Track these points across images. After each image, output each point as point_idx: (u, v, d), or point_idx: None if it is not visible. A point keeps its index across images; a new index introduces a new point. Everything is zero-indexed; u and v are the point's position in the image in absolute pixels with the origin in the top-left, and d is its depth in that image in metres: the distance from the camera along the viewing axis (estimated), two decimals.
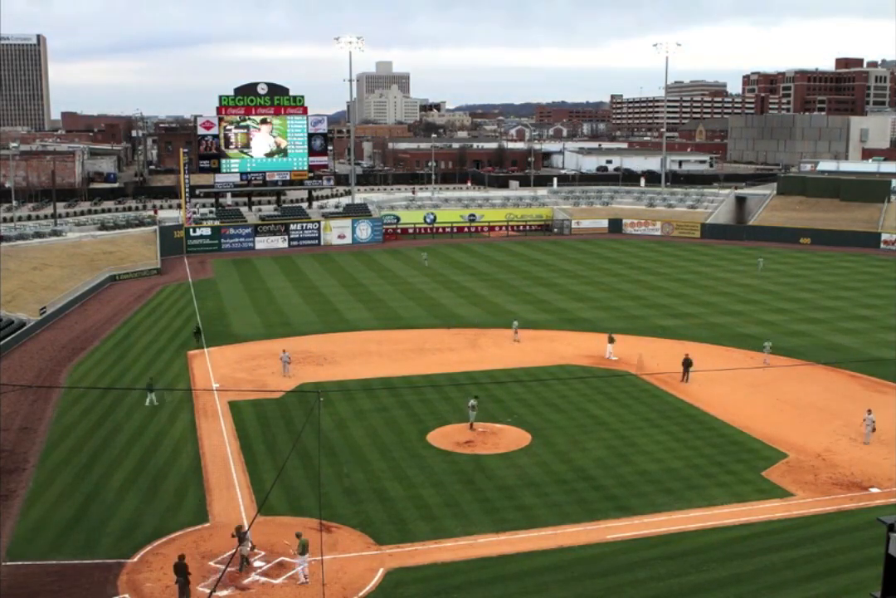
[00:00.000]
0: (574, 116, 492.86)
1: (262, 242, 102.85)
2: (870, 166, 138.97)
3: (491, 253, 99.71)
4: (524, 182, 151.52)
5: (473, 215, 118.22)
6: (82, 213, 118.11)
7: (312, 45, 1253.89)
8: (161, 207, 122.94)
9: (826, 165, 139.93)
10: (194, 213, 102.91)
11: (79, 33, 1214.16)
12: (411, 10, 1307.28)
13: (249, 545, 28.73)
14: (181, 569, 26.38)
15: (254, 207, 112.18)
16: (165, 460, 37.72)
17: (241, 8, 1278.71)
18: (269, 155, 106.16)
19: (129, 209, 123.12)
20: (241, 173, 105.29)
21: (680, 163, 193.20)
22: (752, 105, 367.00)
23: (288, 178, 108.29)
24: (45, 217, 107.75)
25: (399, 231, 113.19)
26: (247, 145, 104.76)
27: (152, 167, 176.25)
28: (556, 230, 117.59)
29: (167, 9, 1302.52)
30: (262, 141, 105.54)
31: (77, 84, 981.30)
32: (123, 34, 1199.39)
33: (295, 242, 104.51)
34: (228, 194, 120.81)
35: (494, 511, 32.45)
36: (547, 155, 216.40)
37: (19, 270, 75.31)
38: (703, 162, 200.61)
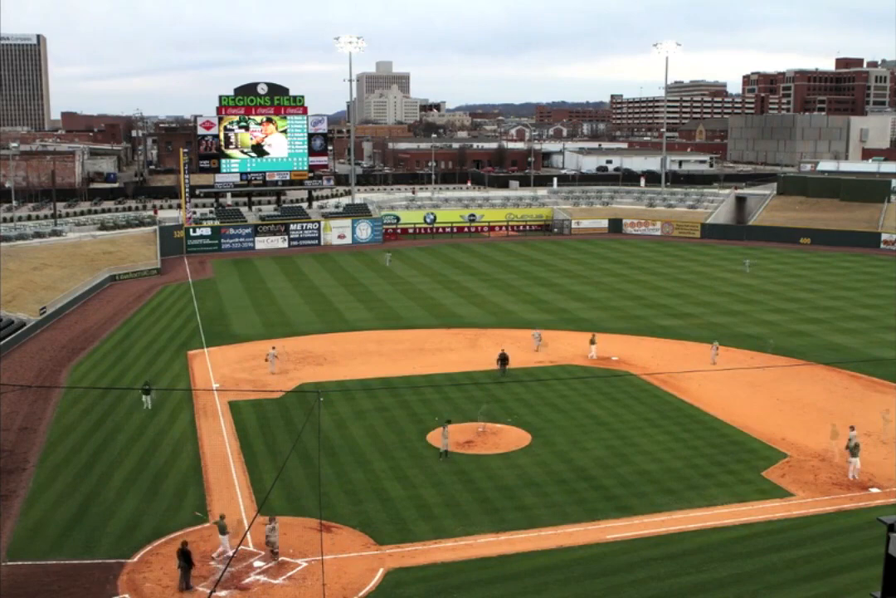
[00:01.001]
0: (574, 116, 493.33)
1: (262, 242, 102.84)
2: (870, 166, 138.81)
3: (491, 253, 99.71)
4: (524, 182, 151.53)
5: (473, 215, 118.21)
6: (82, 213, 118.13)
7: (314, 63, 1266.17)
8: (161, 207, 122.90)
9: (826, 165, 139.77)
10: (194, 213, 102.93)
11: (109, 64, 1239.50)
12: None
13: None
14: (185, 555, 26.84)
15: (254, 207, 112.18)
16: (165, 460, 37.72)
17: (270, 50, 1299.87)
18: (270, 155, 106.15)
19: (129, 209, 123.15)
20: (241, 173, 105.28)
21: (680, 163, 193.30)
22: (752, 105, 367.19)
23: (288, 178, 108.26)
24: (45, 217, 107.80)
25: (399, 231, 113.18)
26: (247, 145, 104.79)
27: (152, 167, 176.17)
28: (556, 230, 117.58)
29: (204, 51, 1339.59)
30: (262, 141, 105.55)
31: (79, 85, 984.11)
32: (146, 61, 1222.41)
33: (295, 242, 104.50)
34: (228, 194, 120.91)
35: (494, 511, 32.44)
36: (547, 155, 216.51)
37: (19, 270, 75.30)
38: (703, 162, 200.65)
